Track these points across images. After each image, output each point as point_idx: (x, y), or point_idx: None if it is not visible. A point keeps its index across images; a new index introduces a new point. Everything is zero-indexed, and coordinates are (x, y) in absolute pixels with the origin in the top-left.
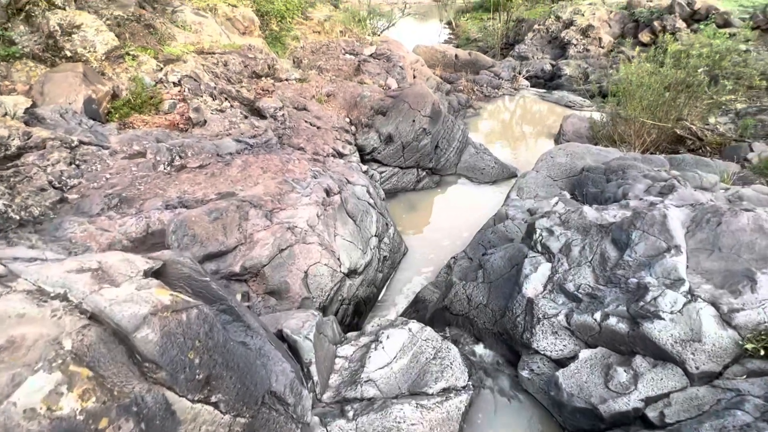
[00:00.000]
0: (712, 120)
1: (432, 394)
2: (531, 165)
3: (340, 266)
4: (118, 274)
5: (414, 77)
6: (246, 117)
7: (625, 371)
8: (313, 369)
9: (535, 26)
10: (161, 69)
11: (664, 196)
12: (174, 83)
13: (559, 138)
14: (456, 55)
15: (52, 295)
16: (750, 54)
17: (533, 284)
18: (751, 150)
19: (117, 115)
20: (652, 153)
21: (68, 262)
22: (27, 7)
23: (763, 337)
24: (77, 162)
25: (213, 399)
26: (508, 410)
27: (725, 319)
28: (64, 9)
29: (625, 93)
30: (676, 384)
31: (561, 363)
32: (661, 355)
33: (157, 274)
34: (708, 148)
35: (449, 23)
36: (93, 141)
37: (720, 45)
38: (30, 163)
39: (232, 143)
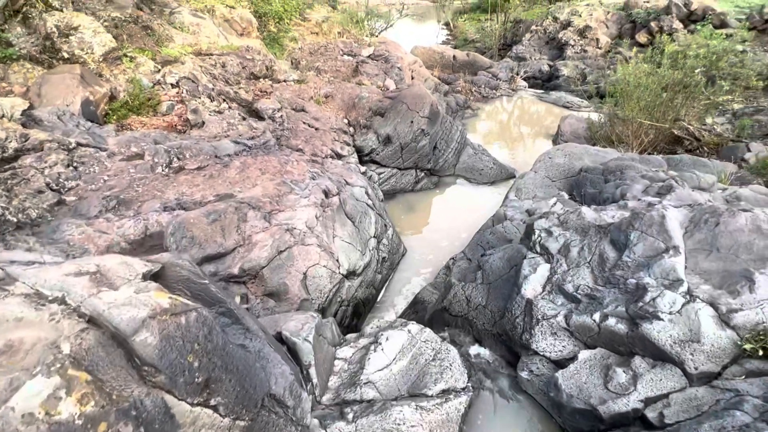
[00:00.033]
0: (709, 120)
1: (431, 396)
2: (529, 166)
3: (338, 268)
4: (116, 277)
5: (412, 78)
6: (244, 118)
7: (624, 372)
8: (312, 371)
9: (533, 27)
10: (159, 70)
11: (662, 196)
12: (172, 85)
13: (557, 139)
14: (454, 56)
15: (50, 298)
16: (746, 54)
17: (532, 285)
18: (749, 150)
19: (115, 117)
20: (649, 153)
21: (66, 265)
22: (24, 9)
23: (761, 337)
24: (75, 164)
25: (212, 402)
26: (507, 411)
27: (724, 320)
28: (62, 11)
29: (623, 93)
30: (675, 384)
31: (560, 364)
32: (660, 356)
33: (155, 276)
34: (705, 148)
35: (447, 24)
36: (90, 143)
37: (717, 46)
38: (27, 165)
39: (231, 145)
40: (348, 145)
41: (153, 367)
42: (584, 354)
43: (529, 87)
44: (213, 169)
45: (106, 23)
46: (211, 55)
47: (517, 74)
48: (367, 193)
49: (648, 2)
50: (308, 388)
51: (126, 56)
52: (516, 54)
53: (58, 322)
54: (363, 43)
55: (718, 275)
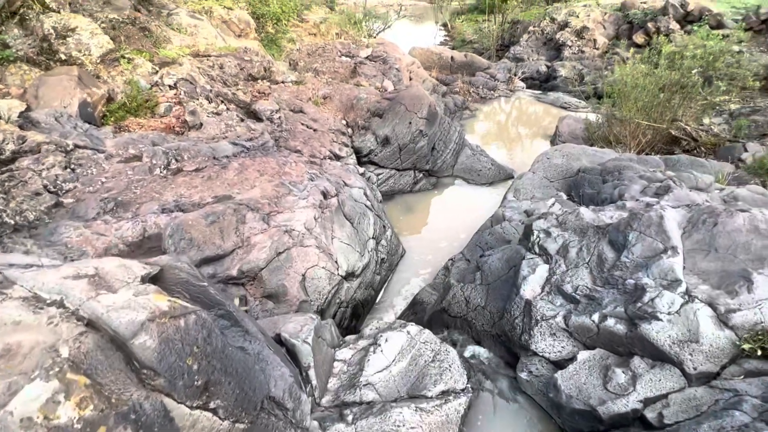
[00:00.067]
0: (706, 121)
1: (431, 397)
2: (527, 166)
3: (337, 269)
4: (115, 280)
5: (410, 79)
6: (242, 120)
7: (623, 372)
8: (311, 373)
9: (530, 28)
10: (157, 72)
11: (660, 196)
12: (170, 86)
13: (555, 139)
14: (452, 57)
15: (48, 301)
16: (743, 55)
17: (531, 286)
18: (745, 150)
19: (112, 119)
20: (647, 154)
21: (64, 268)
22: (21, 11)
23: (759, 337)
24: (72, 166)
25: (212, 405)
26: (507, 412)
27: (722, 320)
28: (59, 12)
29: (620, 94)
30: (674, 385)
31: (559, 365)
32: (659, 356)
33: (154, 279)
34: (703, 148)
35: (445, 25)
36: (88, 145)
37: (713, 46)
38: (25, 168)
39: (229, 146)
40: (346, 146)
41: (152, 370)
42: (583, 355)
43: (526, 88)
44: (211, 171)
45: (103, 25)
46: (209, 56)
47: (515, 75)
48: (365, 194)
49: (645, 3)
50: (307, 390)
51: (123, 58)
52: (514, 55)
53: (57, 325)
54: (361, 44)
55: (717, 275)
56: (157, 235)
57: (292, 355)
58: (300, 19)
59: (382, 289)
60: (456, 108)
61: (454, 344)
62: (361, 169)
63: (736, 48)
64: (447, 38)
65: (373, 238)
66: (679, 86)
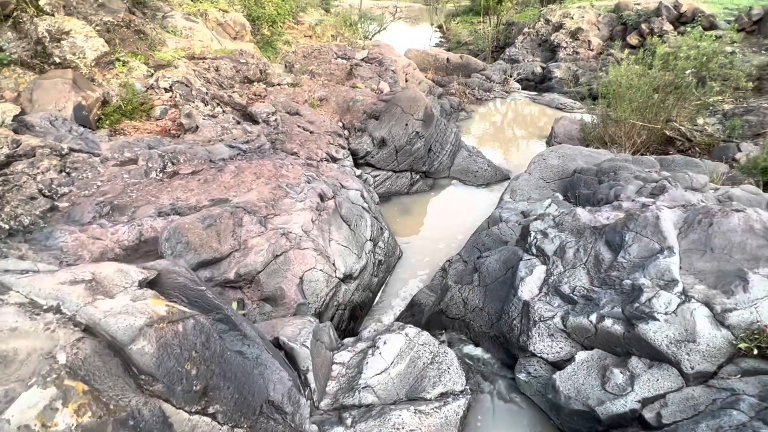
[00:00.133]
0: (700, 121)
1: (430, 400)
2: (523, 167)
3: (335, 271)
4: (112, 285)
5: (406, 81)
6: (238, 122)
7: (621, 373)
8: (310, 376)
9: (525, 29)
10: (152, 75)
11: (655, 197)
12: (165, 89)
13: (550, 140)
14: (447, 59)
15: (45, 307)
16: (736, 56)
17: (529, 287)
18: (739, 150)
19: (107, 122)
20: (642, 154)
21: (61, 273)
22: (15, 14)
23: (756, 336)
24: (68, 170)
25: (210, 410)
26: (506, 414)
27: (719, 319)
28: (53, 15)
29: (615, 95)
30: (672, 384)
31: (558, 365)
32: (656, 356)
33: (152, 284)
34: (697, 148)
35: (440, 27)
36: (83, 148)
37: (707, 47)
38: (19, 172)
39: (225, 149)
40: (343, 148)
41: (150, 375)
42: (581, 355)
43: (522, 89)
44: (208, 174)
45: (98, 27)
46: (205, 59)
47: (511, 76)
48: (362, 196)
49: (638, 4)
50: (306, 393)
51: (118, 60)
52: (509, 56)
53: (54, 331)
54: (357, 46)
55: (713, 275)
56: (153, 239)
57: (290, 358)
58: (295, 22)
59: (380, 291)
60: (452, 109)
61: (452, 346)
62: (358, 171)
63: (728, 49)
64: (442, 40)
65: (370, 240)
66: (673, 87)
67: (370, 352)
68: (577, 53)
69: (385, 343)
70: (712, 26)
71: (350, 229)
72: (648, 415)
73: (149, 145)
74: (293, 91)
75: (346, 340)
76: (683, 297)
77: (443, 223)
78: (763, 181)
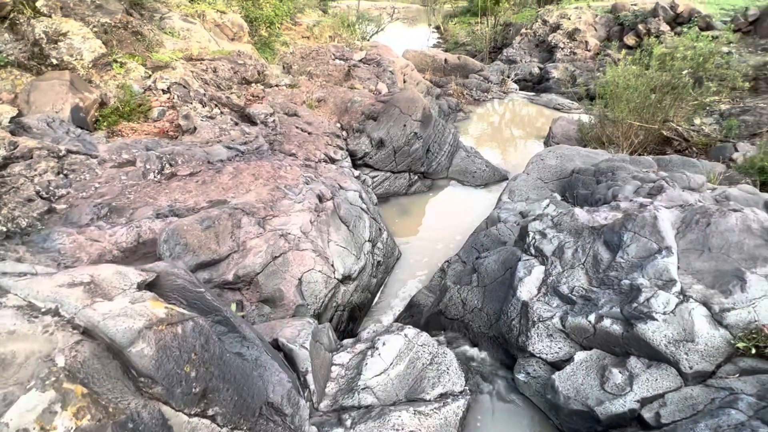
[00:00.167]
0: (697, 121)
1: (429, 400)
2: (521, 168)
3: (334, 272)
4: (111, 287)
5: (404, 82)
6: (236, 123)
7: (620, 372)
8: (309, 378)
9: (523, 30)
10: (150, 76)
11: (653, 197)
12: (163, 90)
13: (548, 140)
14: (445, 60)
15: (43, 310)
16: (732, 56)
17: (527, 287)
18: (736, 150)
19: (105, 124)
20: (640, 154)
21: (59, 276)
22: (11, 15)
23: (754, 335)
24: (65, 171)
25: (210, 412)
26: (505, 414)
27: (717, 319)
28: (50, 16)
29: (612, 95)
30: (670, 384)
31: (557, 366)
32: (655, 356)
33: (150, 286)
34: (694, 148)
35: (437, 28)
36: (81, 150)
37: (703, 48)
38: (17, 174)
39: (223, 150)
40: (341, 149)
41: (150, 378)
42: (580, 355)
43: (520, 89)
44: (206, 175)
45: (95, 29)
46: (203, 60)
47: (508, 77)
48: (361, 197)
49: (635, 5)
50: (306, 395)
51: (116, 62)
52: (506, 57)
53: (52, 334)
54: (354, 47)
55: (711, 275)
56: (151, 241)
57: (289, 360)
58: (293, 23)
59: (379, 292)
60: (450, 110)
61: (451, 346)
62: (356, 172)
63: (725, 49)
64: (440, 41)
65: (369, 240)
66: (670, 87)
67: (369, 353)
68: (575, 54)
69: (384, 344)
70: (709, 27)
71: (349, 230)
72: (647, 414)
73: (147, 147)
74: (291, 92)
75: (345, 342)
76: (681, 297)
77: (442, 224)
78: (760, 180)
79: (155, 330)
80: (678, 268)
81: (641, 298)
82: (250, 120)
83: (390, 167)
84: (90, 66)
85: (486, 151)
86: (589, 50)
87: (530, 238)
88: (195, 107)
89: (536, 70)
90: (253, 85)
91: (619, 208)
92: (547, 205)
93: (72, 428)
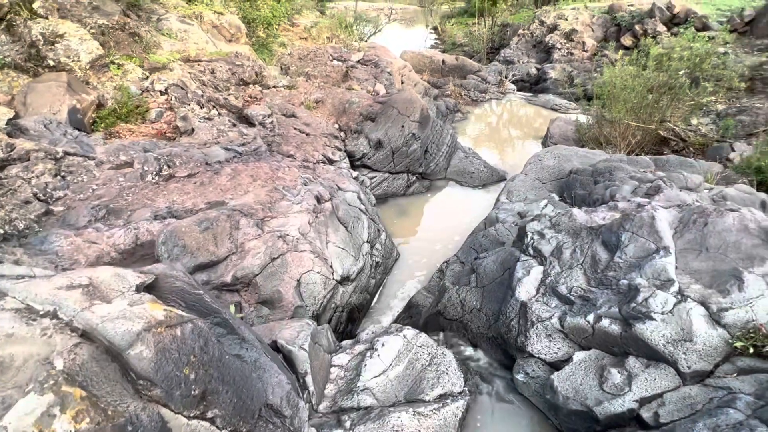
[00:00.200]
0: (694, 121)
1: (429, 401)
2: (519, 168)
3: (332, 273)
4: (109, 289)
5: (402, 83)
6: (234, 125)
7: (618, 372)
8: (308, 379)
9: (520, 31)
10: (147, 77)
11: (650, 197)
12: (160, 92)
13: (546, 141)
14: (443, 60)
15: (41, 313)
16: (728, 56)
17: (526, 288)
18: (733, 150)
19: (102, 125)
20: (637, 154)
21: (57, 278)
22: (8, 17)
23: (751, 335)
24: (63, 173)
25: (209, 414)
26: (504, 414)
27: (715, 319)
28: (47, 18)
29: (610, 96)
30: (669, 384)
31: (555, 366)
32: (653, 356)
33: (149, 288)
34: (691, 148)
35: (435, 28)
36: (78, 152)
37: (699, 48)
38: (14, 176)
39: (221, 151)
40: (339, 150)
41: (149, 380)
42: (579, 355)
43: (517, 90)
44: (204, 177)
45: (92, 30)
46: (200, 61)
47: (506, 78)
48: (359, 197)
49: (632, 6)
50: (305, 396)
51: (113, 63)
52: (504, 57)
53: (51, 337)
54: (352, 48)
55: (708, 275)
56: (149, 243)
57: (288, 361)
58: (291, 24)
59: (378, 293)
60: (448, 111)
61: (450, 347)
62: (355, 173)
63: (721, 49)
64: (437, 41)
65: (367, 241)
66: (667, 87)
67: (368, 354)
68: (572, 54)
69: (383, 345)
70: (705, 27)
71: (347, 231)
72: (646, 414)
73: (145, 148)
74: (289, 94)
75: (344, 343)
76: (679, 296)
77: (440, 225)
78: (756, 180)
79: (154, 332)
80: (676, 268)
81: (639, 298)
82: (248, 121)
83: (388, 168)
84: (87, 67)
85: (484, 152)
86: (586, 51)
87: (528, 239)
88: (193, 109)
89: (534, 71)
90: (250, 86)
91: (616, 208)
92: (545, 206)
93: (71, 431)
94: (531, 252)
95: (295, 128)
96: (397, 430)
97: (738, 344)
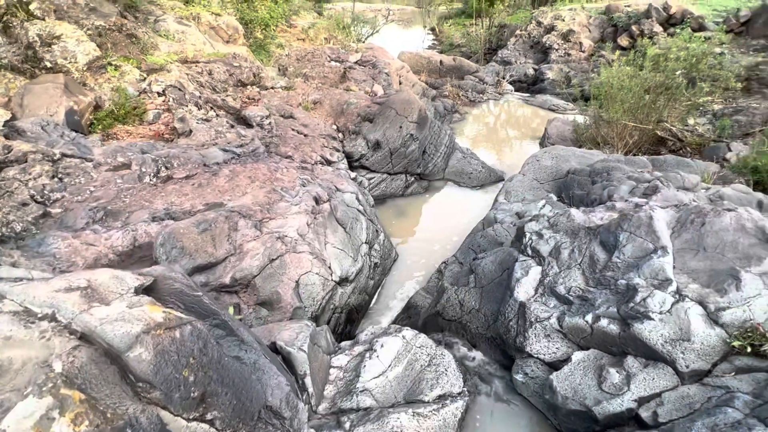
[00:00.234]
0: (691, 121)
1: (428, 402)
2: (517, 168)
3: (331, 274)
4: (108, 291)
5: (400, 83)
6: (232, 126)
7: (617, 372)
8: (308, 381)
9: (517, 31)
10: (144, 79)
11: (648, 197)
12: (158, 93)
13: (543, 141)
14: (441, 61)
15: (39, 315)
16: (724, 57)
17: (524, 288)
18: (729, 150)
19: (100, 127)
20: (634, 154)
21: (56, 281)
22: (5, 18)
23: (749, 334)
24: (60, 175)
25: (208, 417)
26: (503, 415)
27: (712, 318)
28: (44, 19)
29: (607, 96)
30: (667, 383)
31: (554, 366)
32: (651, 355)
33: (148, 290)
34: (688, 148)
35: (433, 29)
36: (76, 153)
37: (696, 48)
38: (11, 178)
39: (219, 153)
40: (337, 151)
41: (148, 383)
42: (578, 355)
43: (515, 90)
44: (202, 178)
45: (89, 32)
46: (198, 62)
47: (503, 78)
48: (357, 198)
49: (629, 6)
50: (304, 398)
51: (110, 65)
52: (501, 58)
53: (49, 339)
54: (350, 49)
55: (706, 274)
56: (147, 244)
57: (288, 363)
58: (288, 25)
59: (376, 294)
60: (446, 111)
61: (449, 347)
62: (353, 174)
63: (717, 50)
64: (435, 42)
65: (366, 242)
66: (664, 88)
67: (367, 355)
68: (569, 55)
69: (382, 346)
70: (701, 27)
71: (346, 232)
72: (644, 414)
73: (142, 150)
74: (287, 95)
75: (343, 344)
76: (677, 296)
77: (438, 225)
78: (753, 180)
79: (153, 334)
80: (674, 267)
81: (637, 298)
82: (246, 122)
83: (386, 169)
84: (84, 69)
85: (482, 152)
86: (583, 51)
87: (527, 239)
88: (190, 110)
89: (531, 72)
90: (248, 87)
91: (614, 208)
92: (543, 206)
93: None
94: (529, 252)
95: (293, 129)
96: (396, 431)
97: (736, 343)
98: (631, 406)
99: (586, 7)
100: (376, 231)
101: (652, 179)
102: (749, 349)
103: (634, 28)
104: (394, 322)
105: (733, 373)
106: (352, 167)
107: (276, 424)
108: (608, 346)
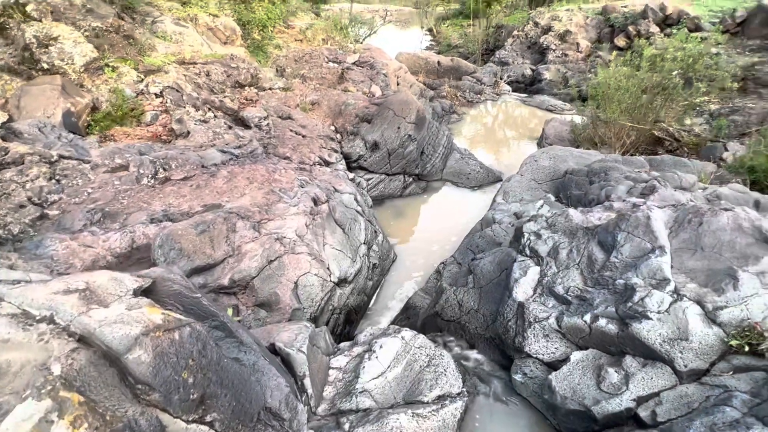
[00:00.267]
0: (688, 121)
1: (427, 403)
2: (515, 169)
3: (329, 275)
4: (106, 294)
5: (398, 84)
6: (230, 127)
7: (616, 372)
8: (307, 382)
9: (515, 32)
10: (142, 80)
11: (645, 197)
12: (156, 94)
13: (541, 141)
14: (438, 62)
15: (38, 318)
16: (721, 57)
17: (523, 288)
18: (726, 150)
19: (97, 128)
20: (632, 154)
21: (54, 283)
22: (1, 20)
23: (746, 333)
24: (57, 177)
25: (208, 418)
26: (503, 415)
27: (710, 317)
28: (40, 21)
29: (604, 96)
30: (666, 383)
31: (553, 366)
32: (650, 355)
33: (146, 292)
34: (685, 148)
35: (430, 30)
36: (73, 155)
37: (692, 49)
38: (8, 179)
39: (217, 154)
40: (335, 151)
41: (147, 385)
42: (576, 355)
43: (512, 91)
44: (200, 179)
45: (86, 33)
46: (195, 63)
47: (501, 79)
48: (356, 199)
49: (625, 7)
50: (304, 399)
51: (108, 66)
52: (499, 59)
53: (48, 342)
54: (348, 49)
55: (703, 274)
56: (146, 246)
57: (287, 364)
58: (286, 26)
59: (375, 295)
60: (443, 112)
61: (448, 348)
62: (351, 175)
63: (714, 50)
64: (433, 43)
65: (364, 243)
66: (661, 88)
67: (366, 356)
68: (566, 55)
69: (381, 346)
70: (697, 28)
71: (344, 232)
72: (643, 413)
73: (140, 151)
74: (285, 96)
75: (343, 345)
76: (675, 296)
77: (437, 226)
78: (750, 179)
79: (152, 336)
80: (671, 267)
81: (636, 298)
82: (244, 123)
83: (384, 169)
84: (81, 70)
85: (480, 153)
86: (580, 52)
87: (525, 239)
88: (188, 111)
89: (528, 72)
90: (246, 88)
91: (612, 208)
92: (541, 206)
93: None
94: (528, 252)
95: (291, 130)
96: None
97: (733, 342)
98: (629, 405)
99: (583, 8)
100: (375, 232)
101: (650, 179)
102: (747, 348)
103: (630, 28)
104: (393, 322)
105: (731, 372)
106: (350, 168)
107: (275, 425)
108: (607, 346)
